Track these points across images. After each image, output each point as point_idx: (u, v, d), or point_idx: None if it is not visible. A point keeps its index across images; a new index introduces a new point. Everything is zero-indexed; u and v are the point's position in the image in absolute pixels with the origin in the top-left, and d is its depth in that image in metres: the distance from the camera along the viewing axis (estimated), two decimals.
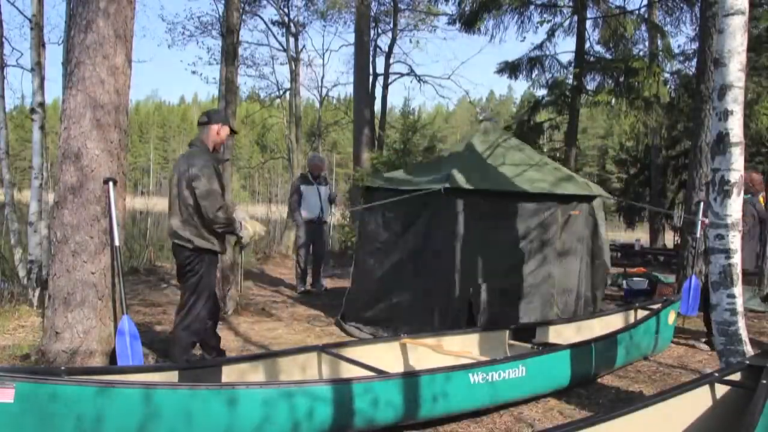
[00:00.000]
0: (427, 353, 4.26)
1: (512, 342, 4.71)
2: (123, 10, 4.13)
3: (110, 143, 4.08)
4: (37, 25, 6.66)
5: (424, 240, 5.32)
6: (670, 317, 5.18)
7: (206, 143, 4.12)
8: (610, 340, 4.45)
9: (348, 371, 3.71)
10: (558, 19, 11.08)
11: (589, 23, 10.85)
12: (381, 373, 3.44)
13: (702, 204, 6.17)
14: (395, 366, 4.20)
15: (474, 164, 5.66)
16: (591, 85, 10.95)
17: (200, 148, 4.08)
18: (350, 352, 3.97)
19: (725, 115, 3.39)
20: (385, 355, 4.21)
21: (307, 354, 3.90)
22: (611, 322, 5.29)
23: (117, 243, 4.07)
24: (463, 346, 4.51)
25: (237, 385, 2.94)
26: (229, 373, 3.57)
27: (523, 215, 5.38)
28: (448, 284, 5.18)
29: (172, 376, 3.38)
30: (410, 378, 3.32)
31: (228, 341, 5.35)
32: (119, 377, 3.14)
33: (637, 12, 11.06)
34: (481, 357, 4.40)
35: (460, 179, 5.20)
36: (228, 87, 6.61)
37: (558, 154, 11.34)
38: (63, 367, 3.09)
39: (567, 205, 5.48)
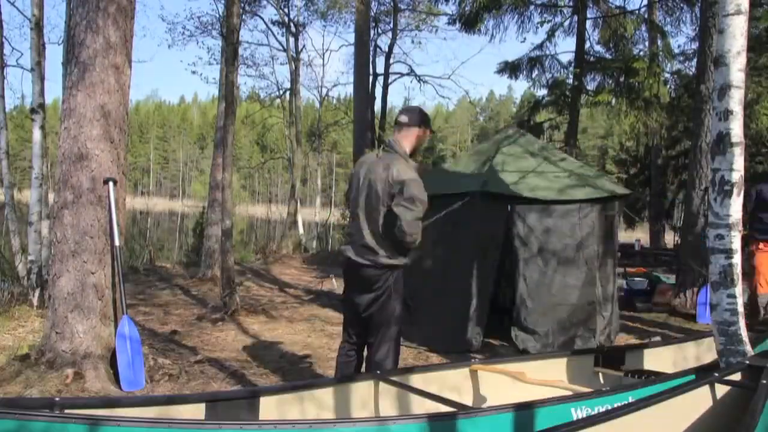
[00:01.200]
0: (505, 382, 3.53)
1: (599, 369, 3.98)
2: (123, 10, 4.13)
3: (110, 143, 4.09)
4: (37, 25, 6.66)
5: (455, 244, 5.27)
6: None
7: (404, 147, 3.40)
8: None
9: (415, 403, 3.16)
10: (558, 19, 11.08)
11: (589, 23, 10.84)
12: (461, 407, 2.82)
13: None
14: (468, 397, 3.55)
15: (505, 169, 5.64)
16: (591, 85, 10.94)
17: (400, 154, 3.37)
18: (411, 380, 3.31)
19: (725, 115, 3.39)
20: (455, 384, 3.52)
21: (361, 382, 3.24)
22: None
23: (117, 243, 4.07)
24: (540, 373, 3.73)
25: (279, 424, 2.38)
26: (268, 407, 2.97)
27: (561, 221, 5.33)
28: (479, 290, 5.19)
29: (198, 409, 2.84)
30: (500, 413, 2.61)
31: (228, 341, 5.36)
32: (127, 411, 2.61)
33: (637, 12, 11.06)
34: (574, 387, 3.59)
35: (499, 184, 5.25)
36: (228, 87, 6.62)
37: None
38: (57, 399, 2.55)
39: (604, 205, 5.43)
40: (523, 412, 2.65)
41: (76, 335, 3.91)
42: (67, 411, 2.45)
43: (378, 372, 3.25)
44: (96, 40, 4.01)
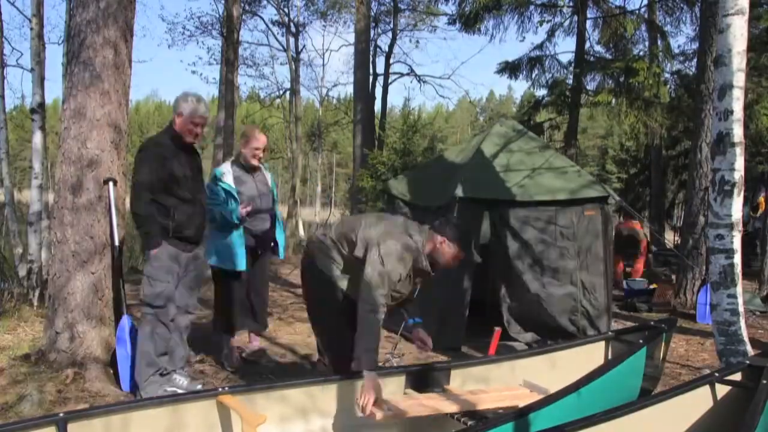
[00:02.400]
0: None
1: (409, 392, 3.25)
2: (123, 10, 4.12)
3: (110, 143, 4.08)
4: (38, 25, 6.66)
5: None
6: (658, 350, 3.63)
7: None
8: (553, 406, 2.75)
9: None
10: (558, 19, 11.11)
11: (589, 23, 10.85)
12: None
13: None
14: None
15: (487, 169, 5.66)
16: (591, 85, 10.96)
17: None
18: None
19: (725, 115, 3.39)
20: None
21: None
22: (557, 360, 3.70)
23: (117, 243, 4.07)
24: (338, 396, 3.07)
25: None
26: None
27: (540, 222, 5.36)
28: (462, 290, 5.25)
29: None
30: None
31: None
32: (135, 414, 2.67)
33: (637, 12, 11.07)
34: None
35: (472, 189, 5.26)
36: (228, 87, 6.62)
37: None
38: (61, 414, 2.52)
39: (581, 207, 5.43)
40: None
41: (76, 335, 3.91)
42: (71, 424, 2.48)
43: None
44: (96, 40, 4.01)
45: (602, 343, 3.82)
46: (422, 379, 3.35)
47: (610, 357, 3.72)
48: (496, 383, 3.57)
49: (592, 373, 3.11)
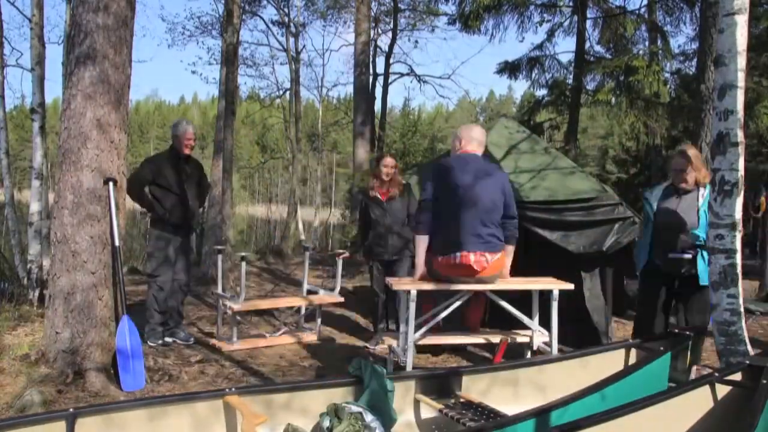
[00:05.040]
0: None
1: (420, 397, 3.26)
2: (123, 10, 4.13)
3: (110, 143, 4.09)
4: (37, 25, 6.66)
5: None
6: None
7: None
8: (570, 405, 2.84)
9: None
10: (558, 19, 11.10)
11: (589, 23, 10.85)
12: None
13: None
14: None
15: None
16: (591, 85, 10.95)
17: None
18: None
19: (725, 115, 3.39)
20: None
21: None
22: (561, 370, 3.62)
23: (117, 243, 4.07)
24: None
25: None
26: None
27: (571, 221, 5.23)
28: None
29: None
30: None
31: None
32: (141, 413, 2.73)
33: (637, 12, 11.06)
34: None
35: None
36: (228, 87, 6.62)
37: None
38: (71, 410, 2.57)
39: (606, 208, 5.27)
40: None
41: (76, 335, 3.91)
42: (80, 420, 2.53)
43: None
44: (96, 39, 4.01)
45: (623, 351, 3.78)
46: (433, 385, 3.28)
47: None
48: (513, 388, 3.46)
49: (611, 378, 3.07)
